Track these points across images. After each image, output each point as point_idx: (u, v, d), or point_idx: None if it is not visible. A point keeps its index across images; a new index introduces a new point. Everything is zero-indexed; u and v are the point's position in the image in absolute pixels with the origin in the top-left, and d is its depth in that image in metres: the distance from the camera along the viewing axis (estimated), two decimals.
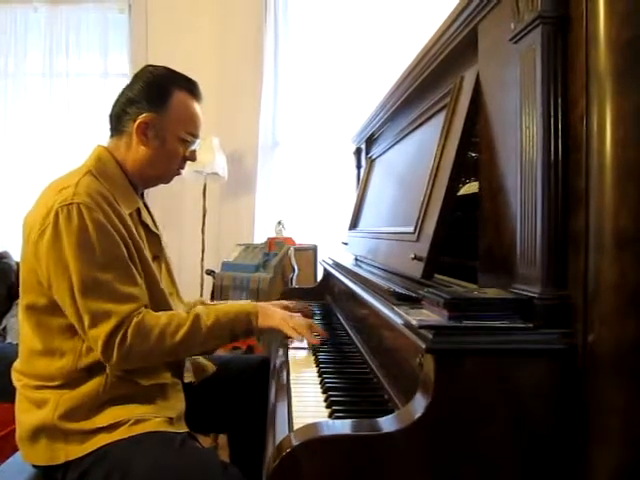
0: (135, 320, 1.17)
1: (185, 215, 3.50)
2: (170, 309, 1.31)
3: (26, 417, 1.20)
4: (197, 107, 1.36)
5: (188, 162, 1.40)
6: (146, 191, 1.44)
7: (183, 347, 1.22)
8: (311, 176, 3.41)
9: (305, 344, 1.38)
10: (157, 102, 1.29)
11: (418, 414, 0.72)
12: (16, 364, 1.26)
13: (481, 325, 0.74)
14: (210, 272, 2.99)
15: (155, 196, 3.58)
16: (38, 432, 1.17)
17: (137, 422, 1.16)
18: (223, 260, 3.04)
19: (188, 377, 1.38)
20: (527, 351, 0.74)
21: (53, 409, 1.16)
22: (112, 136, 1.34)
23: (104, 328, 1.14)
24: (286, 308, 1.43)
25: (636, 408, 0.69)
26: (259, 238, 3.30)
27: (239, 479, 1.11)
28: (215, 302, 1.69)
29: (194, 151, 1.39)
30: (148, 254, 1.30)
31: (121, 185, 1.29)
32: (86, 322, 1.14)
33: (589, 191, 0.71)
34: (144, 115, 1.28)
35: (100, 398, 1.17)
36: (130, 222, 1.25)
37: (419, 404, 0.73)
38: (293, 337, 1.34)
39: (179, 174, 1.41)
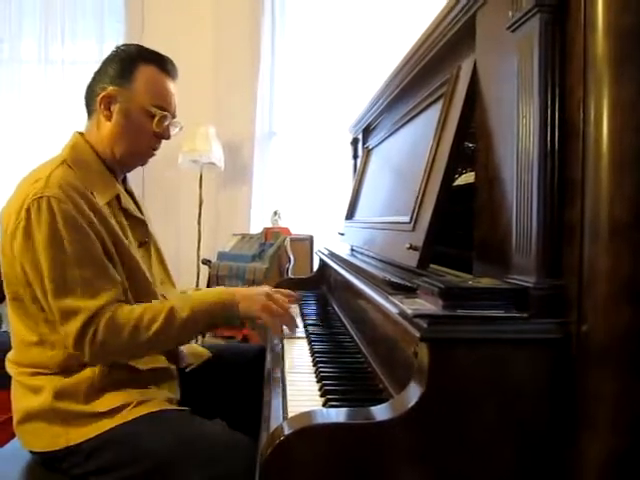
0: (107, 315, 1.14)
1: (181, 204, 3.49)
2: (155, 298, 1.29)
3: (22, 403, 1.21)
4: (167, 82, 1.31)
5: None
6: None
7: (158, 341, 1.19)
8: (308, 166, 3.41)
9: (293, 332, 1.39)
10: (121, 76, 1.27)
11: (412, 403, 0.72)
12: (10, 355, 1.26)
13: (476, 314, 0.74)
14: (206, 261, 2.99)
15: (152, 185, 3.58)
16: (35, 417, 1.17)
17: (138, 404, 1.17)
18: (219, 250, 3.04)
19: (184, 362, 1.39)
20: (521, 340, 0.74)
21: (49, 393, 1.16)
22: (87, 119, 1.33)
23: (74, 325, 1.12)
24: (268, 296, 1.29)
25: (629, 397, 0.69)
26: (255, 228, 3.30)
27: (250, 446, 1.09)
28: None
29: (166, 127, 1.33)
30: (132, 242, 1.28)
31: (97, 172, 1.26)
32: (58, 319, 1.14)
33: (585, 180, 0.70)
34: (107, 89, 1.26)
35: (97, 384, 1.17)
36: (107, 212, 1.23)
37: (413, 393, 0.73)
38: (273, 329, 1.31)
39: (152, 154, 1.36)
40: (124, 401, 1.16)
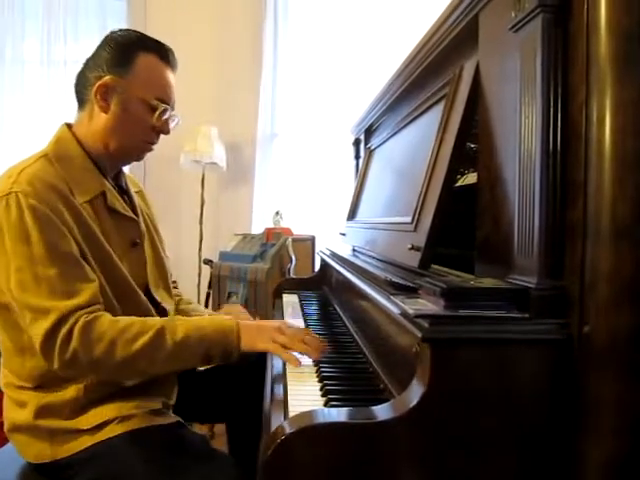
0: (84, 319, 1.03)
1: (183, 205, 3.49)
2: (138, 307, 1.20)
3: (10, 413, 1.19)
4: (168, 73, 1.23)
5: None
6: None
7: (141, 361, 1.06)
8: (309, 167, 3.40)
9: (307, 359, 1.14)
10: (120, 64, 1.17)
11: (413, 403, 0.72)
12: (1, 359, 1.22)
13: (477, 315, 0.74)
14: (208, 261, 2.99)
15: (153, 185, 3.58)
16: (21, 429, 1.16)
17: (123, 419, 1.11)
18: (221, 250, 3.03)
19: None
20: (523, 341, 0.74)
21: (31, 410, 1.13)
22: (78, 109, 1.24)
23: (42, 326, 1.03)
24: (279, 330, 1.14)
25: (630, 398, 0.69)
26: (257, 228, 3.30)
27: (231, 466, 1.08)
28: (192, 306, 1.54)
29: (166, 121, 1.24)
30: (119, 243, 1.21)
31: (80, 168, 1.17)
32: (27, 319, 1.05)
33: (587, 181, 0.70)
34: (104, 78, 1.16)
35: (80, 402, 1.12)
36: (88, 211, 1.15)
37: (414, 393, 0.73)
38: (289, 362, 1.11)
39: (150, 149, 1.27)
40: (108, 417, 1.10)
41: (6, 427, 1.20)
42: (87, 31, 3.63)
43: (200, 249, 3.27)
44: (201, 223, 3.29)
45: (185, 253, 3.26)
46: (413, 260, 1.03)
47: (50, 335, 1.03)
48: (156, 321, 1.10)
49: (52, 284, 1.04)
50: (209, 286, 2.97)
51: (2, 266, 1.08)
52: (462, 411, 0.73)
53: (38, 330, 1.04)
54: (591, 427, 0.71)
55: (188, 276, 3.21)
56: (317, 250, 2.54)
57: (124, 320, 1.08)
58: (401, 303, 0.83)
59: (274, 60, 3.40)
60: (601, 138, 0.69)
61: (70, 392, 1.12)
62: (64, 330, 1.03)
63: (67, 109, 3.55)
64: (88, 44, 3.61)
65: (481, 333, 0.73)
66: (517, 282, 0.78)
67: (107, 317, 1.07)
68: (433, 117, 1.19)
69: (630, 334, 0.69)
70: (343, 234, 2.01)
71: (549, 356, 0.73)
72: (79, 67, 1.25)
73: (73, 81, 1.24)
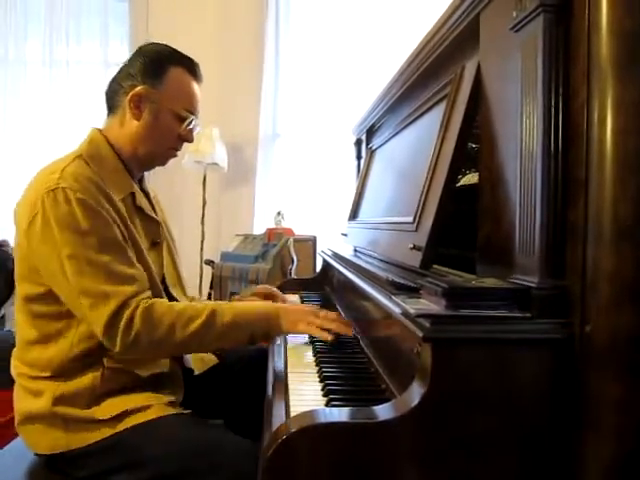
0: (144, 305, 1.11)
1: (185, 205, 3.50)
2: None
3: (23, 405, 1.20)
4: (195, 86, 1.33)
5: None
6: (146, 180, 1.44)
7: (195, 341, 1.15)
8: (311, 167, 3.41)
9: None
10: (152, 76, 1.26)
11: (414, 402, 0.72)
12: (14, 351, 1.26)
13: (479, 314, 0.74)
14: (209, 262, 3.00)
15: (155, 186, 3.58)
16: (36, 419, 1.17)
17: (139, 411, 1.15)
18: (222, 250, 3.04)
19: (191, 365, 1.38)
20: (525, 340, 0.74)
21: (49, 398, 1.15)
22: (108, 115, 1.32)
23: (104, 310, 1.08)
24: (313, 313, 1.27)
25: (632, 398, 0.69)
26: (258, 229, 3.31)
27: (251, 450, 1.08)
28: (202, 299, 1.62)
29: (191, 130, 1.34)
30: (144, 241, 1.27)
31: (113, 169, 1.25)
32: (85, 304, 1.10)
33: (589, 181, 0.70)
34: (138, 88, 1.25)
35: (97, 390, 1.15)
36: (122, 207, 1.22)
37: (416, 393, 0.73)
38: (324, 338, 1.23)
39: (174, 155, 1.38)
40: (125, 408, 1.14)
41: (18, 419, 1.21)
42: (89, 32, 3.63)
43: (202, 249, 3.28)
44: (203, 224, 3.29)
45: (187, 254, 3.25)
46: (414, 260, 1.03)
47: (113, 320, 1.09)
48: (206, 305, 1.19)
49: (108, 270, 1.11)
50: (211, 287, 2.98)
51: (50, 258, 1.11)
52: (463, 411, 0.73)
53: (99, 316, 1.09)
54: (592, 427, 0.71)
55: (189, 277, 3.19)
56: (318, 250, 2.54)
57: (178, 305, 1.18)
58: (402, 303, 0.83)
59: (276, 60, 3.41)
60: (602, 138, 0.69)
61: (85, 381, 1.15)
62: (126, 315, 1.09)
63: (68, 110, 3.56)
64: (90, 45, 3.61)
65: (482, 333, 0.73)
66: (518, 282, 0.78)
67: (163, 302, 1.16)
68: (434, 117, 1.19)
69: (631, 334, 0.69)
70: (345, 234, 2.01)
71: (550, 356, 0.73)
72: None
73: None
